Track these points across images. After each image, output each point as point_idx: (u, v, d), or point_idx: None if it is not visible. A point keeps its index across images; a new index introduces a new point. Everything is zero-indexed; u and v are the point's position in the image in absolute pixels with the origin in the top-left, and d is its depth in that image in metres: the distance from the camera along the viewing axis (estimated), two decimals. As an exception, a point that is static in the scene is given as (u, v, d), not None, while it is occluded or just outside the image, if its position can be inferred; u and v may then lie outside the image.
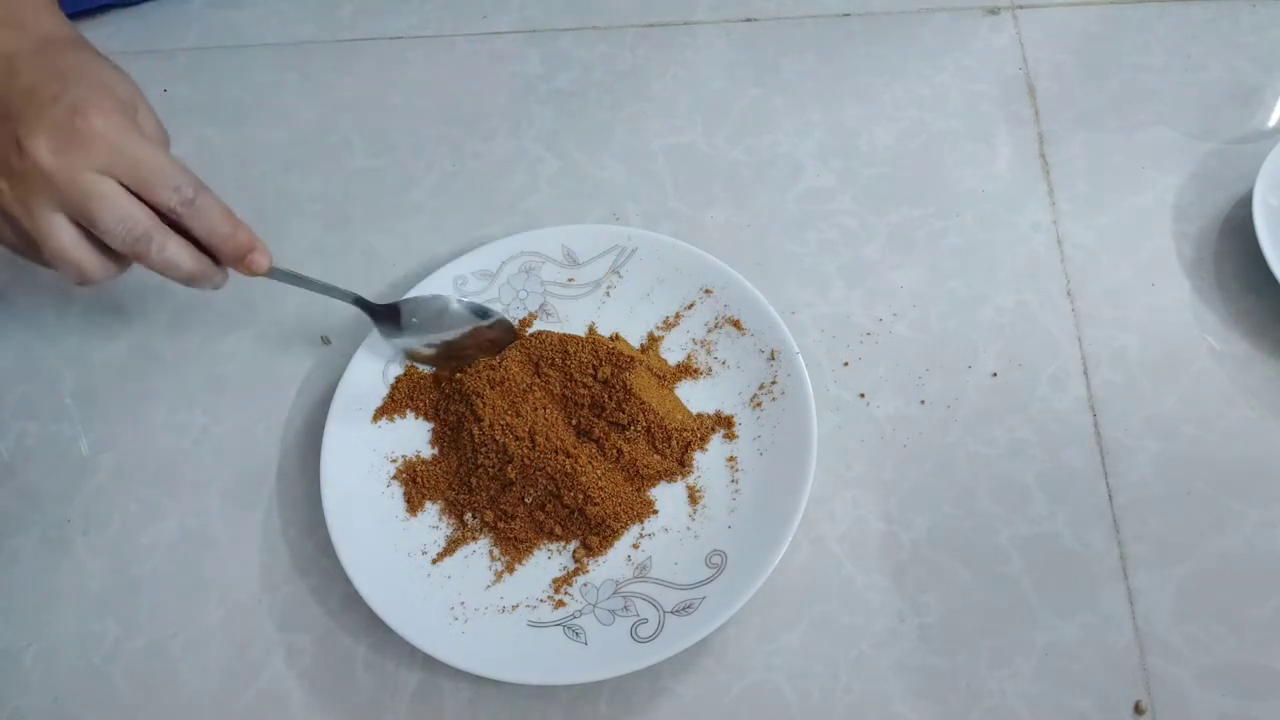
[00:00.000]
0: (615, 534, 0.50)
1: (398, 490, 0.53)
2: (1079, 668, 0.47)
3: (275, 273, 0.50)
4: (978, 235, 0.59)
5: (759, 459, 0.51)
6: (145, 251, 0.45)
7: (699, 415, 0.54)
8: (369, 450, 0.53)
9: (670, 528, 0.51)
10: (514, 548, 0.51)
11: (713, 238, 0.60)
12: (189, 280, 0.48)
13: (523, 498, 0.51)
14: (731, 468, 0.52)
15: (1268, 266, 0.53)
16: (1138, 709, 0.46)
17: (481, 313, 0.55)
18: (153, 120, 0.48)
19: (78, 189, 0.43)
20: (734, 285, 0.55)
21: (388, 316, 0.54)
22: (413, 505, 0.52)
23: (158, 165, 0.44)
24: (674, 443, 0.52)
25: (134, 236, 0.44)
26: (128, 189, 0.44)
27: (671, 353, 0.56)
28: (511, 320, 0.56)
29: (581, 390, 0.53)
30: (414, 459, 0.54)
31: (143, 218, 0.44)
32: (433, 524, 0.52)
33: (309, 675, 0.50)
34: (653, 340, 0.56)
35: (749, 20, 0.69)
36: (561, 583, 0.50)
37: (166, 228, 0.45)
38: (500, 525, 0.51)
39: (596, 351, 0.53)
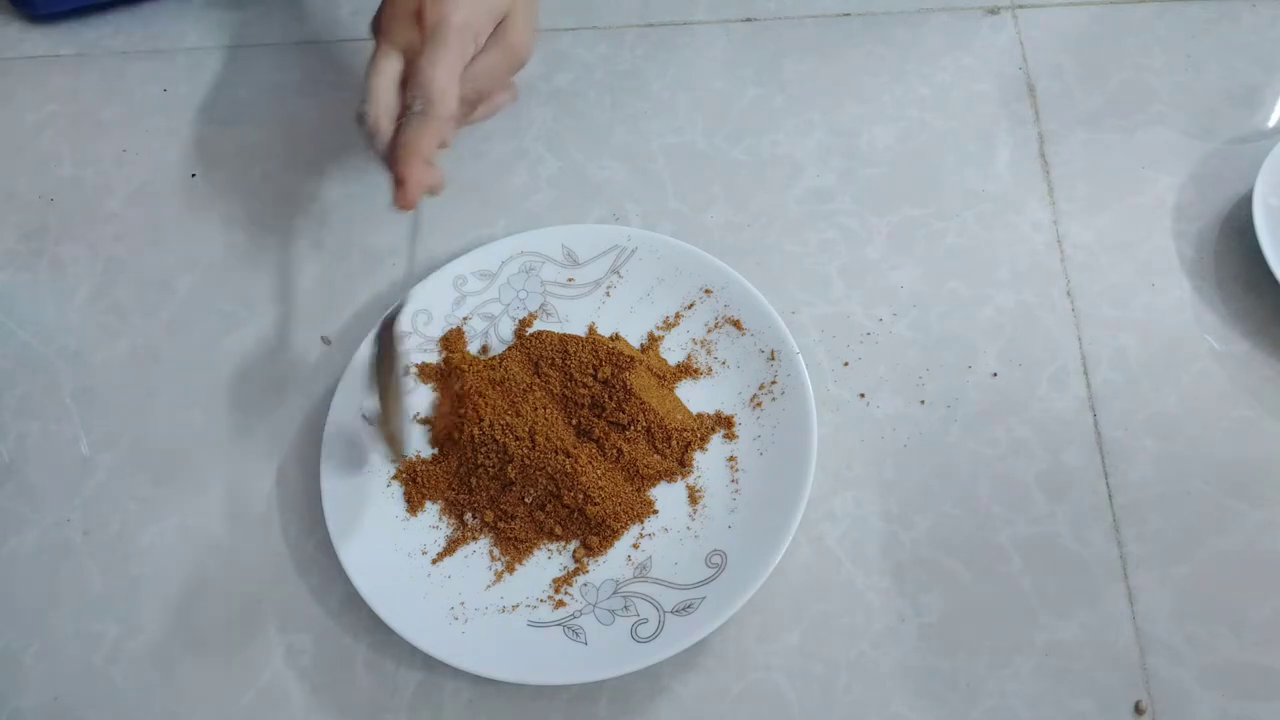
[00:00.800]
0: (615, 534, 0.50)
1: (398, 490, 0.53)
2: (1079, 668, 0.47)
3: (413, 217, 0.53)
4: (978, 235, 0.59)
5: (759, 459, 0.51)
6: (363, 121, 0.50)
7: (699, 415, 0.54)
8: (369, 450, 0.53)
9: (670, 528, 0.51)
10: (514, 548, 0.51)
11: (713, 238, 0.60)
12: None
13: (523, 498, 0.51)
14: (731, 468, 0.52)
15: (1268, 266, 0.53)
16: (1138, 709, 0.46)
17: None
18: (517, 32, 0.51)
19: (376, 48, 0.50)
20: (734, 285, 0.55)
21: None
22: (413, 505, 0.52)
23: (420, 70, 0.48)
24: (674, 443, 0.52)
25: (360, 107, 0.49)
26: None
27: (671, 353, 0.56)
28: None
29: (581, 390, 0.53)
30: (414, 459, 0.54)
31: (375, 101, 0.49)
32: (433, 524, 0.52)
33: (309, 675, 0.50)
34: (653, 340, 0.56)
35: (749, 20, 0.69)
36: (561, 583, 0.50)
37: (383, 121, 0.49)
38: (500, 525, 0.51)
39: (596, 351, 0.53)
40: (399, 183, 0.48)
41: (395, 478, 0.53)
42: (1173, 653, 0.47)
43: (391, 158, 0.49)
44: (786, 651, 0.49)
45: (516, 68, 0.52)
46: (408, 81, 0.49)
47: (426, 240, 0.61)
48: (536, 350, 0.54)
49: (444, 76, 0.48)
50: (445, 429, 0.53)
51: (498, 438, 0.51)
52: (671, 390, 0.54)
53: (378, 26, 0.51)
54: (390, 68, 0.49)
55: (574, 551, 0.51)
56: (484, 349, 0.57)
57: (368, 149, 0.50)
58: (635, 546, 0.51)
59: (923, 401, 0.54)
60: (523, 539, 0.51)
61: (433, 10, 0.48)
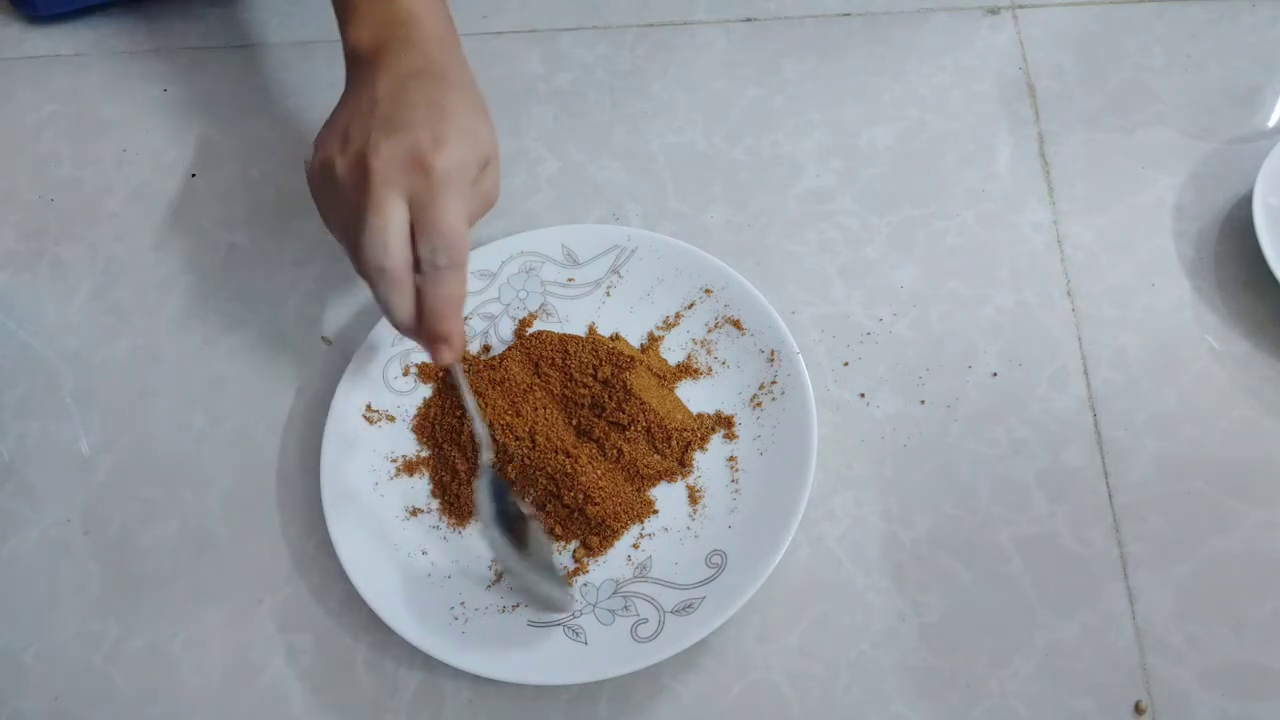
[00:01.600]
0: (615, 534, 0.50)
1: (398, 490, 0.53)
2: (1079, 668, 0.47)
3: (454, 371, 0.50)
4: (978, 235, 0.59)
5: (759, 459, 0.51)
6: (375, 283, 0.46)
7: (699, 415, 0.54)
8: (369, 450, 0.53)
9: (670, 528, 0.51)
10: (514, 548, 0.51)
11: (713, 238, 0.60)
12: (401, 329, 0.47)
13: (523, 497, 0.51)
14: (731, 468, 0.52)
15: (1268, 266, 0.53)
16: (1138, 709, 0.46)
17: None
18: (492, 178, 0.49)
19: (374, 197, 0.45)
20: (734, 285, 0.55)
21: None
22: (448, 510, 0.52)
23: (437, 220, 0.45)
24: (674, 443, 0.52)
25: (374, 265, 0.45)
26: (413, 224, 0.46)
27: (671, 353, 0.56)
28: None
29: (581, 390, 0.53)
30: (414, 459, 0.54)
31: (393, 255, 0.45)
32: (433, 524, 0.52)
33: (309, 675, 0.50)
34: (653, 340, 0.56)
35: (749, 20, 0.69)
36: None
37: (405, 276, 0.46)
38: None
39: (596, 351, 0.53)
40: (443, 339, 0.46)
41: (395, 477, 0.53)
42: (1173, 653, 0.47)
43: (430, 315, 0.46)
44: (786, 651, 0.49)
45: (485, 213, 0.50)
46: (420, 233, 0.45)
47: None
48: (536, 350, 0.54)
49: (462, 224, 0.46)
50: (445, 429, 0.54)
51: (498, 438, 0.51)
52: (671, 390, 0.54)
53: (362, 170, 0.45)
54: (400, 217, 0.45)
55: (574, 551, 0.51)
56: (484, 349, 0.57)
57: (383, 305, 0.46)
58: (635, 546, 0.51)
59: (923, 401, 0.54)
60: (523, 539, 0.51)
61: (438, 157, 0.45)
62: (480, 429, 0.50)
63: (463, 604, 0.49)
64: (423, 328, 0.47)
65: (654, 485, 0.52)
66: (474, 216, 0.49)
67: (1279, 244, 0.53)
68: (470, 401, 0.50)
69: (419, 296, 0.46)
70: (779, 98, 0.65)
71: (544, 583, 0.47)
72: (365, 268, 0.46)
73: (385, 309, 0.47)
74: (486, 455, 0.50)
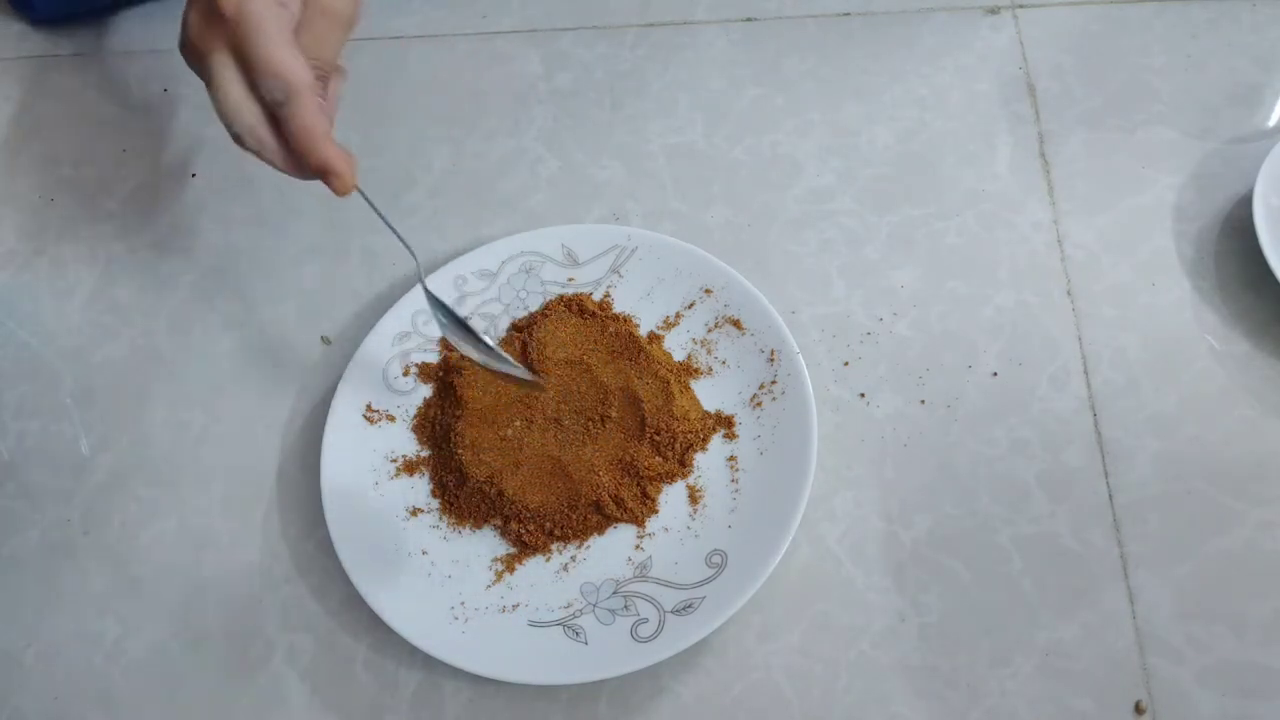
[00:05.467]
0: (619, 512, 0.51)
1: (398, 490, 0.53)
2: (1079, 668, 0.47)
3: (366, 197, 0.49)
4: (978, 235, 0.59)
5: (759, 459, 0.51)
6: (243, 143, 0.46)
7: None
8: (369, 450, 0.53)
9: (670, 528, 0.51)
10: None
11: (713, 238, 0.60)
12: (293, 174, 0.47)
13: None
14: (732, 468, 0.52)
15: (1268, 266, 0.53)
16: (1138, 709, 0.46)
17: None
18: None
19: (207, 64, 0.45)
20: (734, 285, 0.55)
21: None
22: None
23: (262, 59, 0.44)
24: (676, 444, 0.52)
25: (238, 130, 0.45)
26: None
27: (672, 353, 0.56)
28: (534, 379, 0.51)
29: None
30: (414, 459, 0.54)
31: (249, 116, 0.45)
32: (433, 524, 0.52)
33: (309, 675, 0.50)
34: (653, 339, 0.56)
35: (749, 20, 0.69)
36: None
37: (261, 129, 0.45)
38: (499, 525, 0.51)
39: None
40: (324, 173, 0.45)
41: (395, 477, 0.53)
42: (1173, 653, 0.47)
43: (298, 154, 0.45)
44: (786, 651, 0.49)
45: (346, 28, 0.48)
46: (253, 78, 0.44)
47: (428, 239, 0.61)
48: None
49: (280, 52, 0.44)
50: (443, 428, 0.54)
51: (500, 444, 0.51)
52: (686, 386, 0.54)
53: (189, 48, 0.46)
54: (230, 77, 0.44)
55: (573, 551, 0.51)
56: (484, 349, 0.57)
57: (272, 166, 0.46)
58: (636, 547, 0.51)
59: (923, 401, 0.54)
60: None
61: (225, 3, 0.43)
62: (400, 239, 0.50)
63: (463, 604, 0.49)
64: (308, 170, 0.46)
65: (654, 485, 0.52)
66: (329, 36, 0.47)
67: (1279, 244, 0.53)
68: (384, 218, 0.49)
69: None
70: (779, 98, 0.65)
71: (512, 365, 0.49)
72: (233, 137, 0.46)
73: (268, 163, 0.46)
74: (419, 270, 0.51)
